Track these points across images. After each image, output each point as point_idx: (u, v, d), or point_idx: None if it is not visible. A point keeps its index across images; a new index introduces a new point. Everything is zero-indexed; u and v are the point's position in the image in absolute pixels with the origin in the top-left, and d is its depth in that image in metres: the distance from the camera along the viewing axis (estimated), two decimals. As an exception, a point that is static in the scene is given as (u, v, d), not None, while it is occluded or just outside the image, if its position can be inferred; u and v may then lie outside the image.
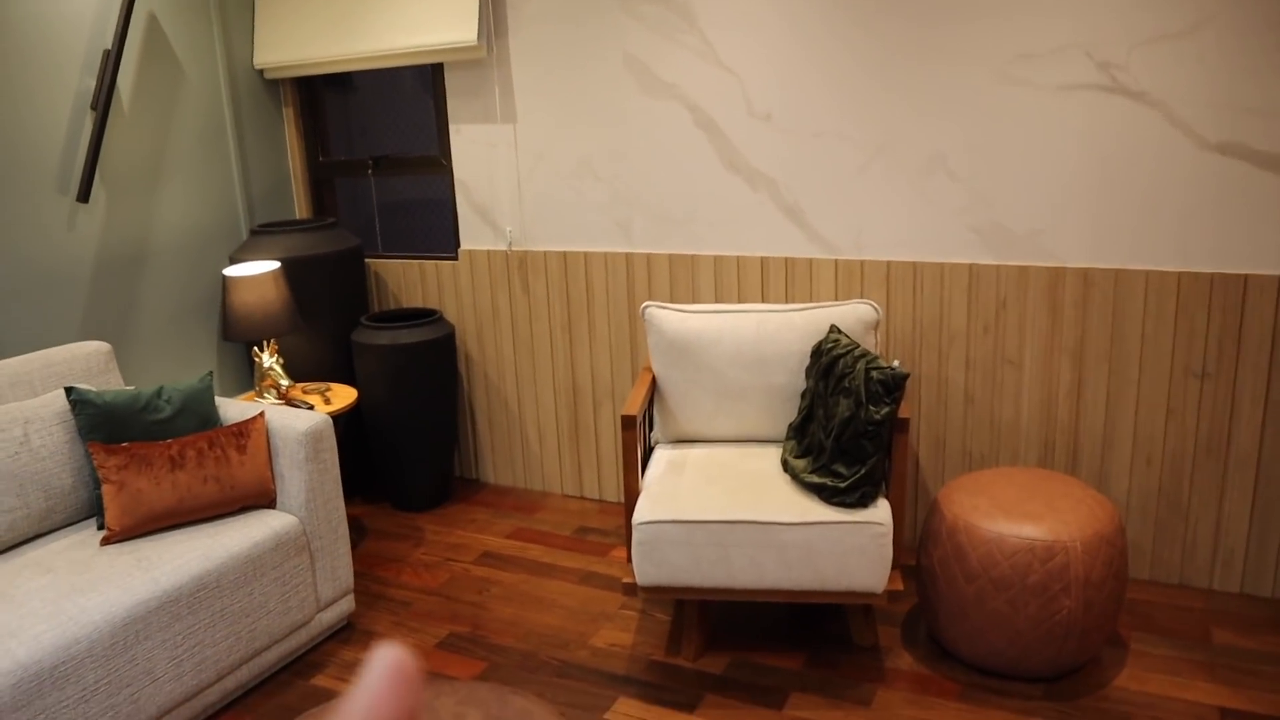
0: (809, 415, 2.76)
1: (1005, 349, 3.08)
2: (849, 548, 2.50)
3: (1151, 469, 3.00)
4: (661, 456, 2.93)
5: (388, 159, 4.00)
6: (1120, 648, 2.76)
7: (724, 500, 2.59)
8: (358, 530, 3.74)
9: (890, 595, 2.58)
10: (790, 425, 2.85)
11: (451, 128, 3.75)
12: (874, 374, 2.49)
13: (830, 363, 2.67)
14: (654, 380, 3.01)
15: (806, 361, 2.87)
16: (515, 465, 4.01)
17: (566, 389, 3.80)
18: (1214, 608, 2.93)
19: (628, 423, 2.64)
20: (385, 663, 0.41)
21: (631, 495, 2.69)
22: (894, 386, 2.46)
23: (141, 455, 2.68)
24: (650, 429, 3.11)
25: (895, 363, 2.50)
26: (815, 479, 2.58)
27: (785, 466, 2.73)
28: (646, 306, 2.99)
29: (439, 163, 3.88)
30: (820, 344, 2.79)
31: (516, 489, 4.03)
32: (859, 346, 2.68)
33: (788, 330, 2.89)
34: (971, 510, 2.59)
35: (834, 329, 2.83)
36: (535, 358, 3.82)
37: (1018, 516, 2.54)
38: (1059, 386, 3.04)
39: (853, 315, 2.88)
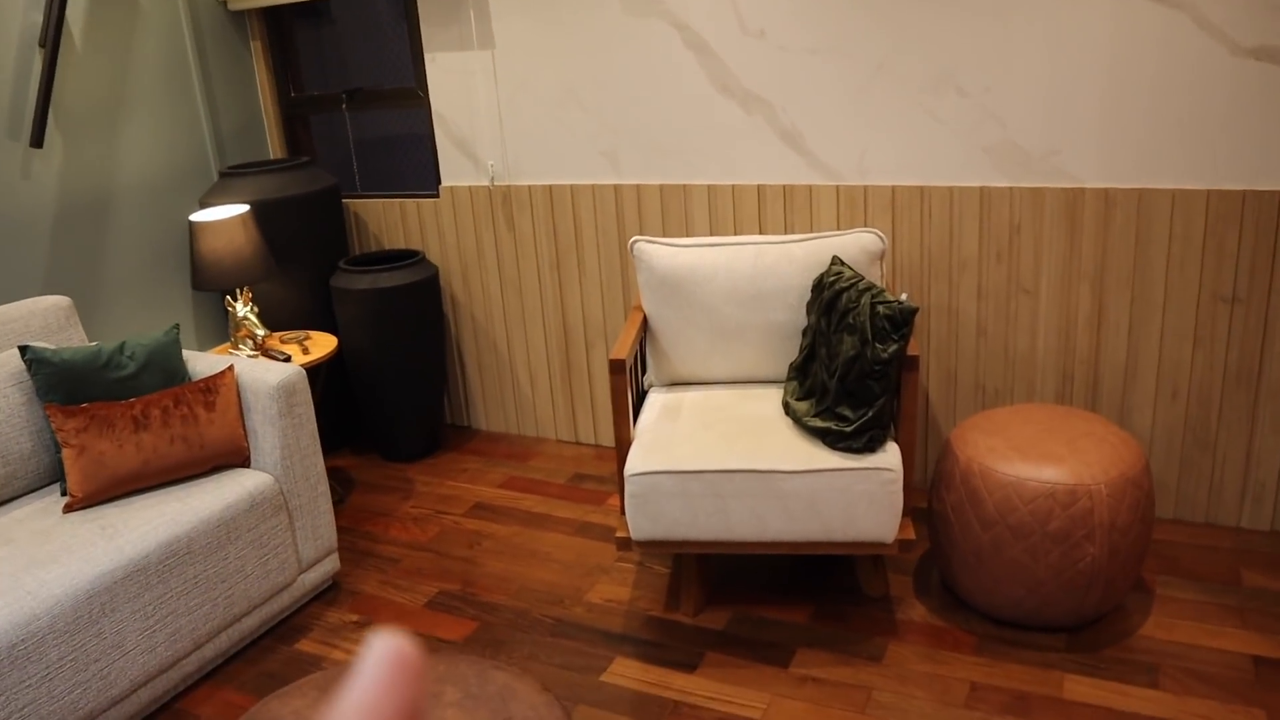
0: (811, 354, 2.59)
1: (1020, 277, 2.89)
2: (856, 495, 2.34)
3: (1177, 402, 2.82)
4: (655, 401, 2.77)
5: (362, 93, 3.78)
6: (1145, 593, 2.61)
7: (721, 447, 2.42)
8: (345, 483, 3.60)
9: (902, 545, 2.42)
10: (791, 365, 2.68)
11: (427, 57, 3.52)
12: (880, 309, 2.30)
13: (833, 297, 2.48)
14: (645, 320, 2.83)
15: (807, 296, 2.69)
16: (507, 411, 3.85)
17: (557, 330, 3.63)
18: (1243, 547, 2.78)
19: (616, 367, 2.47)
20: (384, 654, 0.37)
21: (623, 444, 2.52)
22: (902, 322, 2.27)
23: (102, 416, 2.52)
24: (643, 372, 2.94)
25: (903, 296, 2.31)
26: (819, 423, 2.41)
27: (786, 410, 2.56)
28: (635, 241, 2.79)
29: (415, 95, 3.66)
30: (822, 277, 2.60)
31: (509, 435, 3.88)
32: (863, 279, 2.49)
33: (787, 263, 2.70)
34: (987, 452, 2.43)
35: (836, 261, 2.64)
36: (524, 298, 3.64)
37: (1036, 458, 2.37)
38: (1078, 315, 2.85)
39: (856, 245, 2.68)
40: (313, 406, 2.80)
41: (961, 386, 3.07)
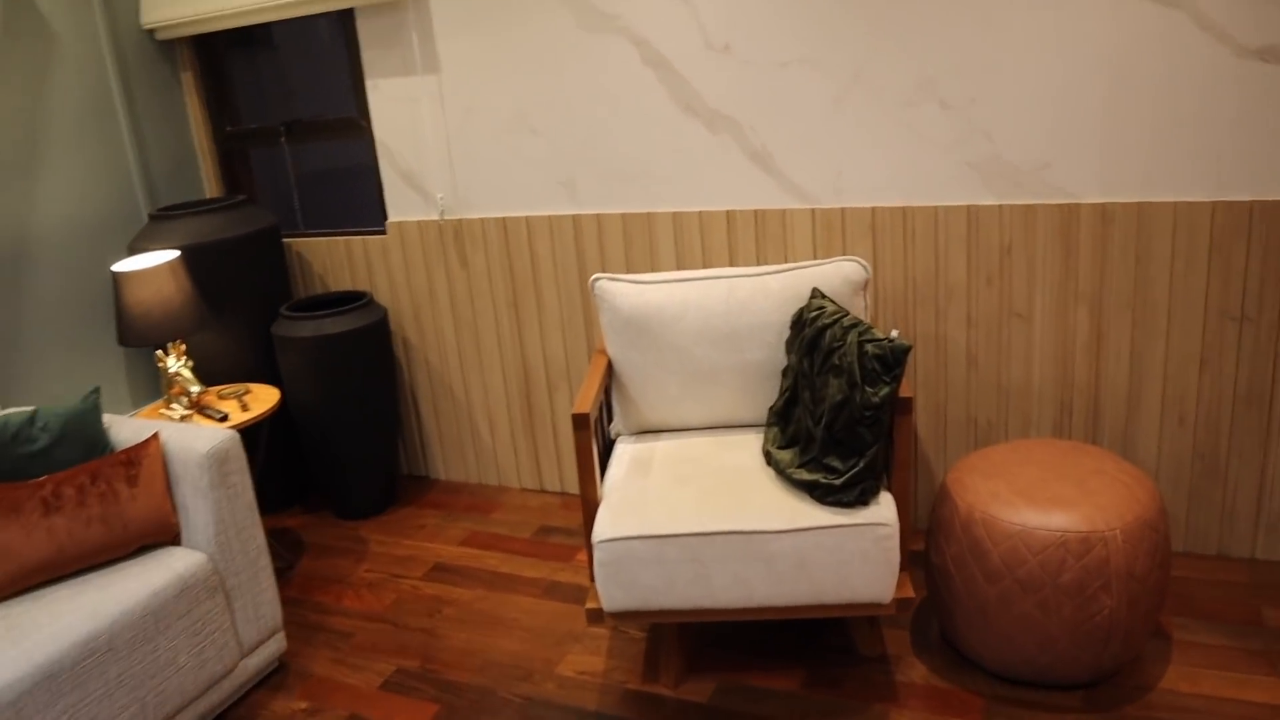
0: (793, 398, 2.37)
1: (1012, 301, 2.68)
2: (849, 554, 2.12)
3: (1184, 429, 2.63)
4: (624, 453, 2.53)
5: (301, 124, 3.53)
6: (1162, 639, 2.41)
7: (698, 506, 2.20)
8: (294, 547, 3.33)
9: (900, 604, 2.20)
10: (771, 409, 2.45)
11: (368, 83, 3.29)
12: (869, 348, 2.09)
13: (815, 335, 2.27)
14: (609, 364, 2.60)
15: (786, 333, 2.47)
16: (467, 459, 3.61)
17: (517, 372, 3.39)
18: (1260, 581, 2.59)
19: (579, 422, 2.24)
20: None
21: (590, 505, 2.29)
22: (894, 362, 2.06)
23: (8, 500, 2.25)
24: (609, 420, 2.71)
25: (893, 333, 2.10)
26: (805, 475, 2.19)
27: (768, 459, 2.34)
28: (596, 279, 2.56)
29: (358, 125, 3.42)
30: (801, 312, 2.39)
31: (470, 485, 3.63)
32: (847, 313, 2.28)
33: (762, 297, 2.48)
34: (989, 498, 2.21)
35: (816, 293, 2.42)
36: (480, 339, 3.40)
37: (1044, 503, 2.16)
38: (1075, 341, 2.66)
39: (837, 276, 2.47)
40: (249, 474, 2.54)
41: (952, 421, 2.86)
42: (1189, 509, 2.70)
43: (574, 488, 3.46)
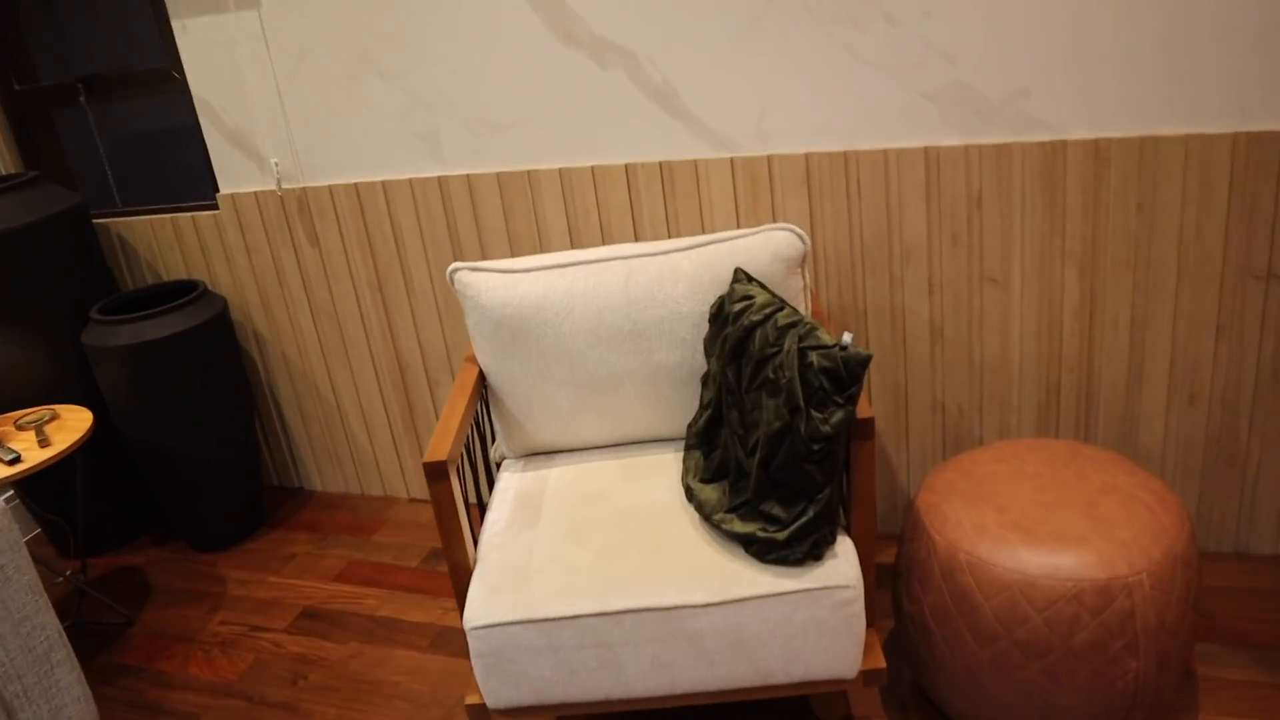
0: (716, 416, 1.83)
1: (984, 263, 2.17)
2: (799, 626, 1.62)
3: (1196, 408, 2.15)
4: (507, 487, 1.99)
5: (102, 79, 2.86)
6: (1186, 677, 1.96)
7: (600, 572, 1.67)
8: (137, 593, 2.76)
9: (867, 676, 1.71)
10: (690, 428, 1.92)
11: (175, 25, 2.62)
12: (814, 358, 1.55)
13: (741, 336, 1.73)
14: (481, 376, 2.04)
15: (704, 328, 1.93)
16: (344, 467, 3.04)
17: (390, 366, 2.81)
18: (1293, 588, 2.15)
19: (434, 472, 1.68)
20: None
21: (459, 573, 1.75)
22: (849, 379, 1.53)
23: None
24: (493, 438, 2.16)
25: (846, 337, 1.56)
26: (739, 526, 1.67)
27: (689, 495, 1.81)
28: (455, 270, 1.98)
29: (170, 76, 2.75)
30: (722, 302, 1.84)
31: (350, 497, 3.07)
32: (782, 305, 1.74)
33: (671, 283, 1.93)
34: (976, 534, 1.71)
35: (740, 275, 1.88)
36: (344, 329, 2.81)
37: (1047, 540, 1.67)
38: (1063, 308, 2.15)
39: (765, 250, 1.92)
40: (24, 550, 1.95)
41: (916, 407, 2.36)
42: (1200, 501, 2.24)
43: (470, 496, 2.92)
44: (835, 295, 2.30)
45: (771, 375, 1.61)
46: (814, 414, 1.54)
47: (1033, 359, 2.22)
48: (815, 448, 1.55)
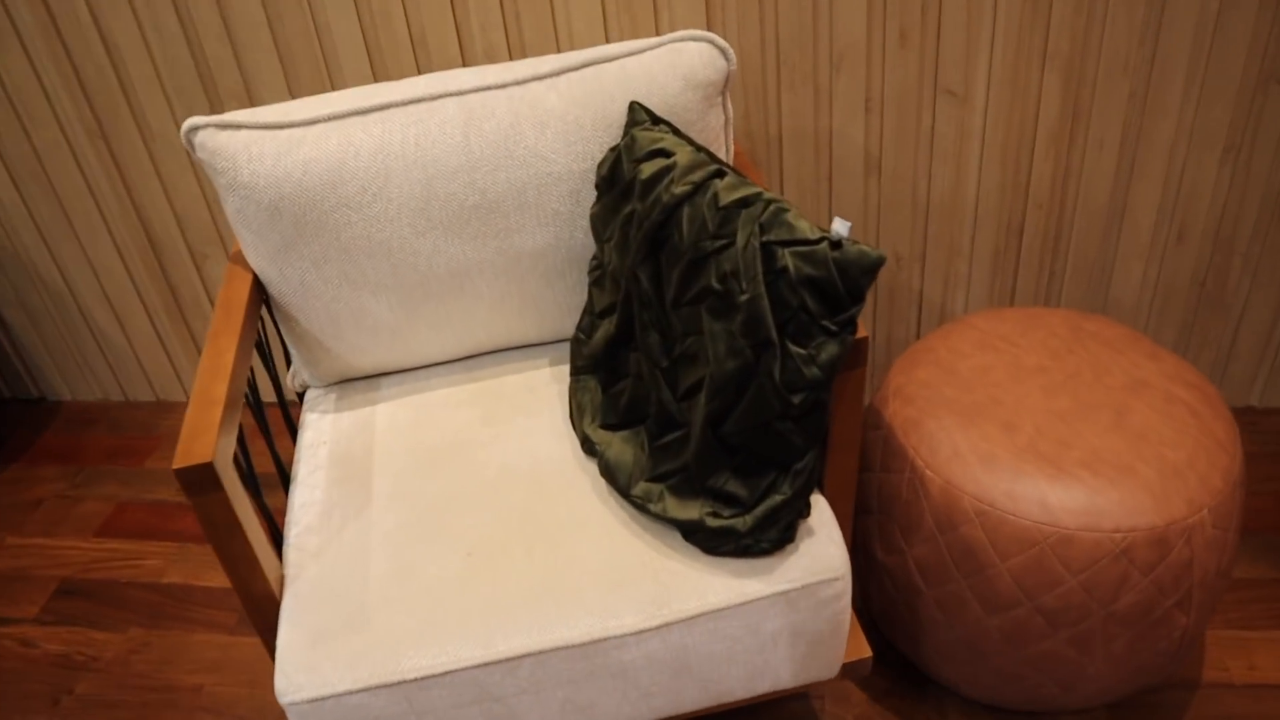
0: (622, 336, 1.26)
1: (940, 70, 1.63)
2: (770, 636, 1.14)
3: (1184, 247, 1.75)
4: (316, 440, 1.38)
5: None
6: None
7: (477, 592, 1.12)
8: None
9: (849, 669, 1.28)
10: (578, 344, 1.34)
11: None
12: (790, 260, 1.00)
13: (661, 221, 1.14)
14: (257, 286, 1.37)
15: (588, 196, 1.32)
16: (98, 371, 2.32)
17: (138, 242, 2.07)
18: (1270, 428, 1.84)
19: (194, 482, 1.05)
20: None
21: (256, 606, 1.16)
22: (851, 296, 0.99)
23: None
24: (287, 363, 1.53)
25: (837, 224, 1.00)
26: (677, 511, 1.14)
27: (590, 450, 1.26)
28: (193, 128, 1.27)
29: None
30: (617, 158, 1.24)
31: (112, 406, 2.37)
32: (718, 164, 1.15)
33: (533, 128, 1.29)
34: (984, 470, 1.26)
35: (640, 113, 1.26)
36: (62, 197, 2.02)
37: (1078, 470, 1.23)
38: (1038, 127, 1.66)
39: (673, 72, 1.30)
40: None
41: (842, 260, 1.85)
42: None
43: (267, 390, 2.28)
44: (740, 118, 1.72)
45: (717, 284, 1.05)
46: (793, 349, 1.00)
47: (993, 193, 1.73)
48: (795, 399, 1.02)
